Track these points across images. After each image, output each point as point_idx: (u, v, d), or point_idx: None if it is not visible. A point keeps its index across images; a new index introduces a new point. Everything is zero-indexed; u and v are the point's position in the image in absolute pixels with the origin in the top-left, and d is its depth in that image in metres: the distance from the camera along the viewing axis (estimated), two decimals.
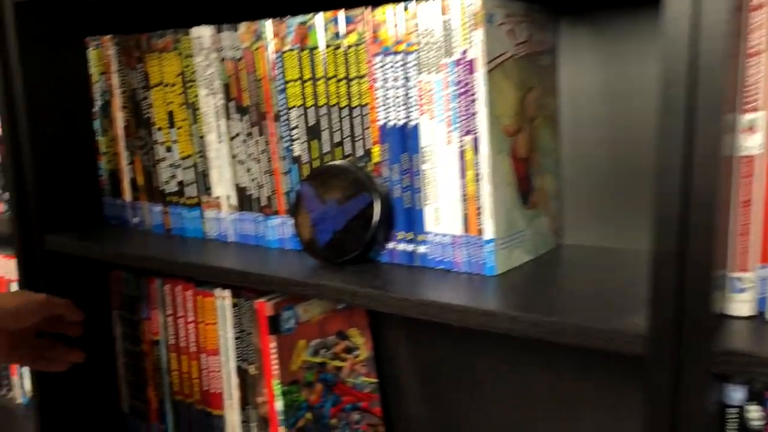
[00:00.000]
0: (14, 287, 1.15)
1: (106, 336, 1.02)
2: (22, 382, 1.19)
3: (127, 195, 0.95)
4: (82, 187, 0.97)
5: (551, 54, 0.75)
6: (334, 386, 0.89)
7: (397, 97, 0.68)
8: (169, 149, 0.88)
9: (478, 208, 0.65)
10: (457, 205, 0.66)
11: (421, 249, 0.69)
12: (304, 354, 0.86)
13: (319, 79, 0.73)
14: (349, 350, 0.92)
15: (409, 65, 0.67)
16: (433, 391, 0.92)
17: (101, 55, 0.94)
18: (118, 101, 0.93)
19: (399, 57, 0.67)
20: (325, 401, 0.88)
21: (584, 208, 0.77)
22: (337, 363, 0.90)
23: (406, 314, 0.60)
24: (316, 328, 0.87)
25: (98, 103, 0.96)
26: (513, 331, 0.55)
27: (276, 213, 0.80)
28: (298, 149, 0.76)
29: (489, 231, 0.65)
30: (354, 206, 0.69)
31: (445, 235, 0.67)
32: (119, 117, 0.93)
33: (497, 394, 0.86)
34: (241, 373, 0.86)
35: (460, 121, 0.65)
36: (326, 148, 0.74)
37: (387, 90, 0.69)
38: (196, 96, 0.84)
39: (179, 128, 0.87)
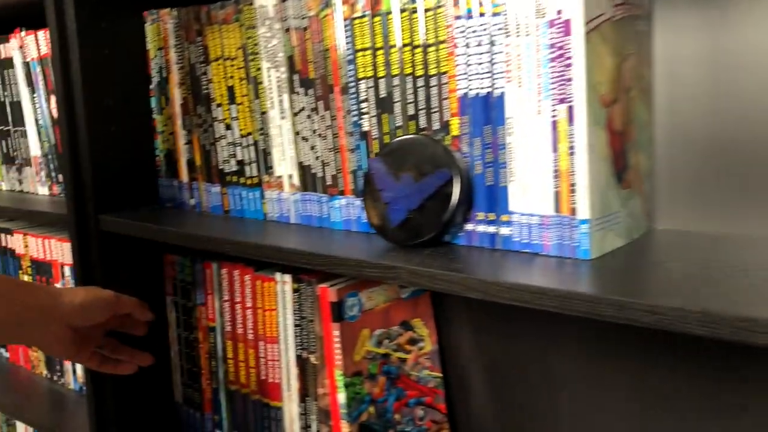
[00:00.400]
0: (68, 272, 1.13)
1: (160, 322, 0.98)
2: (74, 368, 1.17)
3: (184, 175, 0.91)
4: (137, 168, 0.93)
5: (648, 19, 0.68)
6: (397, 379, 0.84)
7: (481, 64, 0.62)
8: (228, 127, 0.84)
9: (572, 185, 0.59)
10: (547, 182, 0.60)
11: (504, 230, 0.63)
12: (368, 344, 0.81)
13: (392, 47, 0.68)
14: (413, 342, 0.86)
15: (494, 28, 0.61)
16: (502, 388, 0.86)
17: (159, 29, 0.90)
18: (175, 77, 0.89)
19: (483, 20, 0.62)
20: (389, 395, 0.83)
21: (678, 190, 0.70)
22: (401, 355, 0.85)
23: (493, 299, 0.54)
24: (380, 317, 0.82)
25: (155, 80, 0.92)
26: (621, 319, 0.48)
27: (342, 193, 0.75)
28: (367, 124, 0.71)
29: (584, 210, 0.59)
30: (431, 184, 0.64)
31: (532, 215, 0.61)
32: (177, 94, 0.90)
33: (574, 390, 0.80)
34: (301, 362, 0.81)
35: (553, 89, 0.58)
36: (398, 121, 0.69)
37: (469, 56, 0.63)
38: (258, 70, 0.80)
39: (239, 104, 0.83)
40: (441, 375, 0.88)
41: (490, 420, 0.88)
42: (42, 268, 1.16)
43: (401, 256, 0.63)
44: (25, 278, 1.20)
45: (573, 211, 0.59)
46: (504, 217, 0.63)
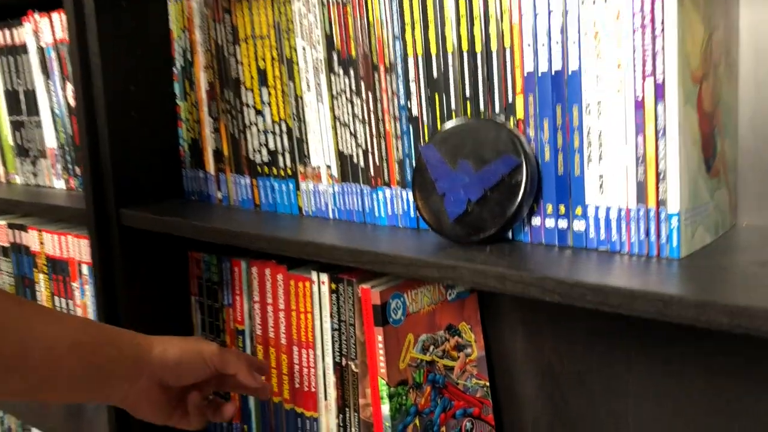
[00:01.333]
0: (86, 270, 1.07)
1: (184, 324, 0.92)
2: None
3: (211, 167, 0.85)
4: (160, 158, 0.87)
5: None
6: (444, 389, 0.77)
7: (551, 37, 0.55)
8: (259, 112, 0.78)
9: (660, 173, 0.51)
10: (630, 170, 0.53)
11: (578, 225, 0.56)
12: (413, 350, 0.74)
13: (446, 21, 0.61)
14: (459, 347, 0.79)
15: None
16: (557, 397, 0.79)
17: (183, 8, 0.84)
18: (201, 60, 0.83)
19: None
20: (435, 406, 0.76)
21: (764, 182, 0.62)
22: (447, 362, 0.78)
23: (575, 303, 0.47)
24: (425, 321, 0.75)
25: (179, 63, 0.86)
26: (735, 327, 0.41)
27: (387, 184, 0.68)
28: (416, 107, 0.64)
29: (673, 202, 0.51)
30: (494, 172, 0.56)
31: (610, 208, 0.54)
32: (202, 78, 0.83)
33: (640, 401, 0.72)
34: (340, 369, 0.75)
35: (638, 63, 0.51)
36: (453, 104, 0.62)
37: (537, 27, 0.56)
38: (293, 49, 0.73)
39: (271, 87, 0.76)
40: (488, 384, 0.81)
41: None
42: (58, 266, 1.10)
43: (460, 254, 0.56)
44: (41, 277, 1.14)
45: (661, 203, 0.52)
46: (577, 210, 0.56)
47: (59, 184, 1.06)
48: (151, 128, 0.86)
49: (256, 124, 0.78)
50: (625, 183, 0.53)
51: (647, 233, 0.53)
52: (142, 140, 0.85)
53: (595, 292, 0.46)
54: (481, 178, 0.57)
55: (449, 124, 0.60)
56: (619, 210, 0.54)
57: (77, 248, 1.07)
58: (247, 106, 0.78)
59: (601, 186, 0.54)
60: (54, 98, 1.03)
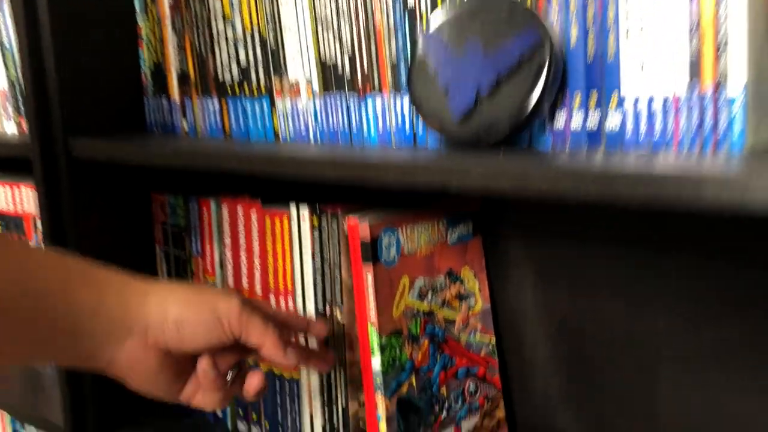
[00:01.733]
0: (41, 225, 0.95)
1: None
2: None
3: (175, 92, 0.74)
4: (118, 84, 0.76)
5: None
6: (443, 343, 0.66)
7: None
8: (228, 21, 0.67)
9: (719, 44, 0.41)
10: (680, 44, 0.42)
11: (613, 121, 0.45)
12: (408, 296, 0.63)
13: None
14: (461, 297, 0.69)
15: None
16: (574, 357, 0.68)
17: None
18: None
19: None
20: (434, 363, 0.65)
21: None
22: (447, 313, 0.67)
23: (620, 202, 0.37)
24: (422, 264, 0.64)
25: None
26: None
27: (378, 90, 0.57)
28: None
29: (737, 80, 0.41)
30: (510, 52, 0.46)
31: (653, 98, 0.43)
32: None
33: (673, 360, 0.61)
34: (325, 319, 0.64)
35: None
36: None
37: None
38: None
39: None
40: (494, 340, 0.71)
41: (557, 397, 0.70)
42: (12, 222, 0.99)
43: (468, 157, 0.45)
44: None
45: (719, 84, 0.41)
46: (612, 102, 0.45)
47: (10, 128, 0.94)
48: (107, 49, 0.74)
49: (225, 36, 0.67)
50: (674, 61, 0.43)
51: (701, 123, 0.42)
52: (97, 63, 0.74)
53: (646, 183, 0.36)
54: (493, 61, 0.46)
55: (455, 4, 0.49)
56: (665, 99, 0.43)
57: (31, 202, 0.96)
58: (215, 15, 0.67)
59: (642, 68, 0.44)
60: (3, 30, 0.91)
